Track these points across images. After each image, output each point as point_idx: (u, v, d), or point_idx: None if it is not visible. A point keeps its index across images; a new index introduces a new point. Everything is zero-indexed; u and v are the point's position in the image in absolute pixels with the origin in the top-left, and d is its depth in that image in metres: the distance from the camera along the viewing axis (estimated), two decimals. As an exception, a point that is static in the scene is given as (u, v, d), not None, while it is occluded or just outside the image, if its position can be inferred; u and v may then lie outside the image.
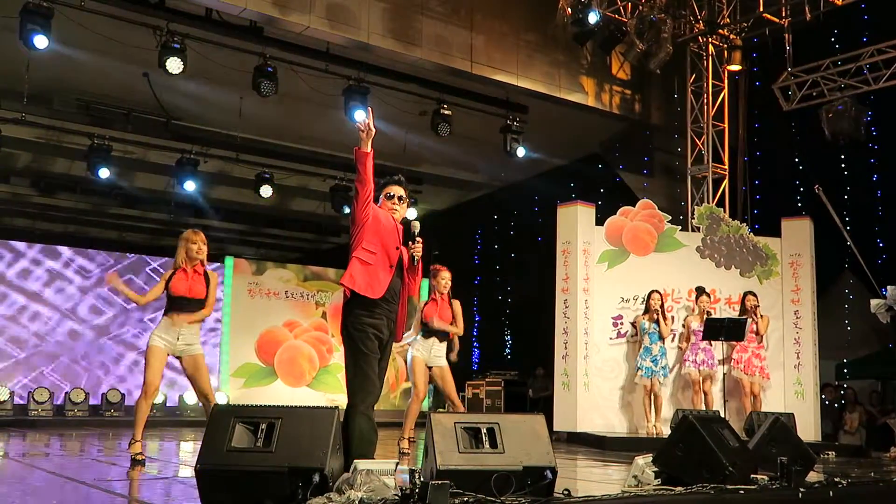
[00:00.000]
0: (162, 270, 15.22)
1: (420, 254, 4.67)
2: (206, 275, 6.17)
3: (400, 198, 4.78)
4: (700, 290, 10.14)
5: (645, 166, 13.18)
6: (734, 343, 9.74)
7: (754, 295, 10.00)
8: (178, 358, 6.13)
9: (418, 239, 4.68)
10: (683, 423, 4.61)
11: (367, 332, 4.52)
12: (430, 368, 7.61)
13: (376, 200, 4.77)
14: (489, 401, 13.45)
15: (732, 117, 12.21)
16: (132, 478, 5.21)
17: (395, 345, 7.37)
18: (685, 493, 4.17)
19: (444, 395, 7.77)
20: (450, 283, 7.68)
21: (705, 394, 9.81)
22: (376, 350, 4.56)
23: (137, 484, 4.94)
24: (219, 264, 14.07)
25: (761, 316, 9.89)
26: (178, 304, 6.06)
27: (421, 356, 7.57)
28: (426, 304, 7.67)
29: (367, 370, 4.49)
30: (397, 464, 3.83)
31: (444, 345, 7.70)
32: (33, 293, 13.90)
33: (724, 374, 9.47)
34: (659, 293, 9.95)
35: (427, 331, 7.60)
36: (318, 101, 11.30)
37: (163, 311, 6.14)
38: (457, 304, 7.74)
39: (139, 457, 5.85)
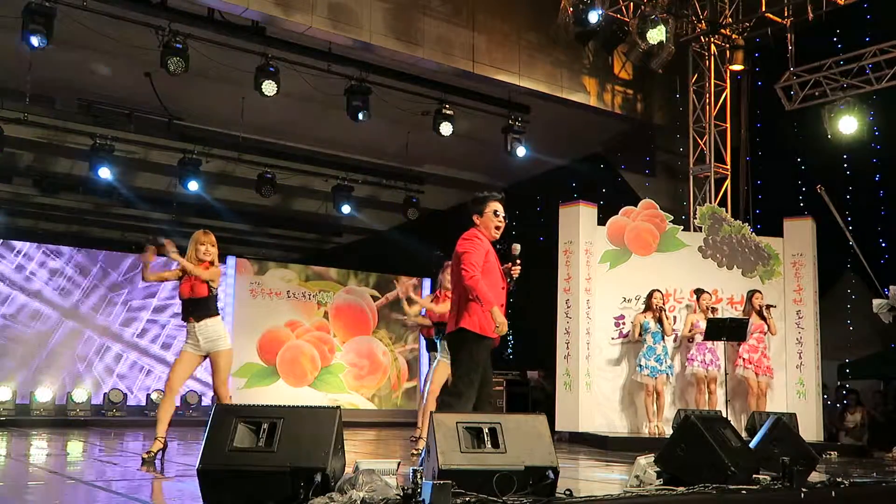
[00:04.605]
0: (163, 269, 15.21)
1: (517, 275, 4.91)
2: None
3: (505, 215, 5.02)
4: (699, 291, 10.13)
5: (647, 166, 13.17)
6: (742, 342, 9.70)
7: (761, 293, 9.97)
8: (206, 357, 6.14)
9: (518, 261, 4.93)
10: (685, 423, 4.61)
11: (482, 342, 4.82)
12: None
13: (481, 214, 4.98)
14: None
15: (734, 117, 12.20)
16: (134, 478, 5.21)
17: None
18: (687, 493, 4.17)
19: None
20: None
21: (710, 394, 9.79)
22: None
23: (139, 484, 4.94)
24: (221, 264, 14.05)
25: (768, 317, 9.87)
26: (186, 308, 6.15)
27: None
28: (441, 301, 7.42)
29: (475, 381, 4.77)
30: (399, 463, 3.83)
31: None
32: (35, 292, 13.90)
33: (727, 373, 9.46)
34: (660, 292, 9.94)
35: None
36: (321, 101, 11.31)
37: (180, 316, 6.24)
38: None
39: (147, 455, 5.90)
